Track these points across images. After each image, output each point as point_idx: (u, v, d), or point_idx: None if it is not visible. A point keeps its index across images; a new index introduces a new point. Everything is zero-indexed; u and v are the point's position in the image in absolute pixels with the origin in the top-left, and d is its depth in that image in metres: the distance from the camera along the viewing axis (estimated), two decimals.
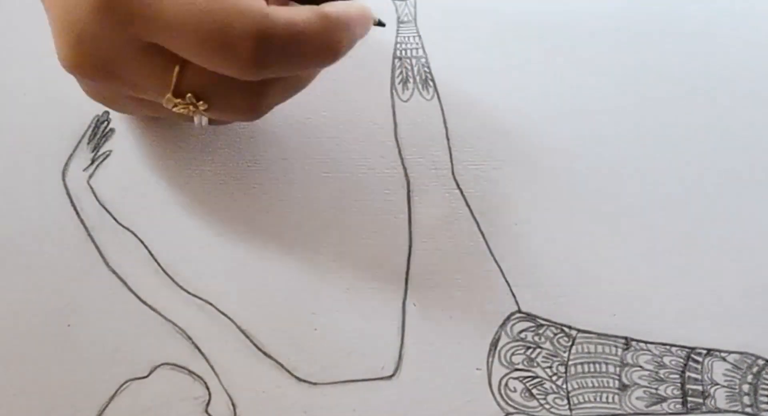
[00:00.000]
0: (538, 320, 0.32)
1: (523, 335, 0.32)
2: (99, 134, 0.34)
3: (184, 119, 0.31)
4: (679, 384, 0.31)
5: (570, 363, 0.31)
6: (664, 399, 0.31)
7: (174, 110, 0.28)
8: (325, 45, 0.27)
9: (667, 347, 0.32)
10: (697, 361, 0.32)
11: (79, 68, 0.27)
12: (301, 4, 0.28)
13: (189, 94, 0.27)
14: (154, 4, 0.25)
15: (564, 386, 0.31)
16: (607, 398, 0.31)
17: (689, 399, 0.31)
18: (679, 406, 0.31)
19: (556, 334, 0.32)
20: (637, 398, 0.31)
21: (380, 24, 0.32)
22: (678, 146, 0.36)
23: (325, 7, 0.27)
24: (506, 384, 0.31)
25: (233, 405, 0.30)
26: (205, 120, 0.30)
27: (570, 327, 0.32)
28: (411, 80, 0.36)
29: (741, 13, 0.38)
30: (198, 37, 0.25)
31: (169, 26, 0.25)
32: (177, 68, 0.26)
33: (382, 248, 0.33)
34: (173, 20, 0.25)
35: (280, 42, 0.26)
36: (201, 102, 0.27)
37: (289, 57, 0.26)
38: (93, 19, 0.25)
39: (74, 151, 0.34)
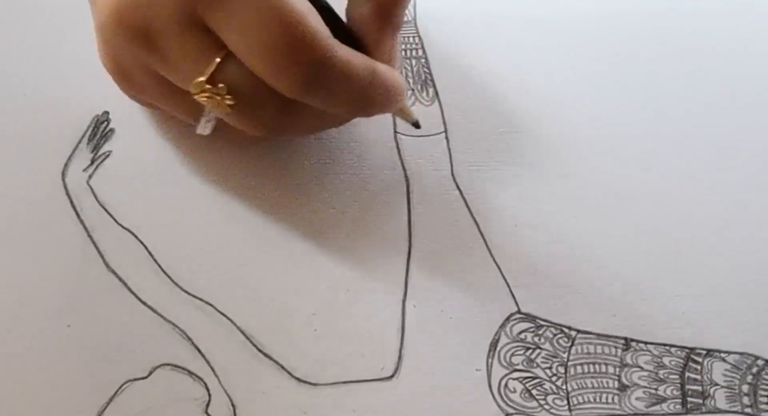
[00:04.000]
0: (538, 320, 0.32)
1: (522, 335, 0.32)
2: (99, 134, 0.34)
3: (189, 120, 0.31)
4: (678, 385, 0.31)
5: (570, 363, 0.31)
6: (663, 400, 0.31)
7: (198, 97, 0.27)
8: (363, 95, 0.28)
9: (667, 347, 0.32)
10: (696, 361, 0.32)
11: (122, 27, 0.26)
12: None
13: (222, 85, 0.27)
14: None
15: (564, 386, 0.31)
16: (606, 398, 0.31)
17: (689, 399, 0.31)
18: (678, 407, 0.31)
19: (555, 335, 0.32)
20: (637, 398, 0.31)
21: (416, 125, 0.33)
22: (678, 148, 0.36)
23: (378, 64, 0.28)
24: (506, 385, 0.31)
25: (233, 405, 0.30)
26: (209, 127, 0.30)
27: (570, 328, 0.32)
28: (411, 81, 0.36)
29: None
30: (262, 40, 0.25)
31: (234, 16, 0.25)
32: (221, 56, 0.26)
33: (382, 248, 0.33)
34: (242, 13, 0.25)
35: (333, 75, 0.26)
36: (229, 97, 0.27)
37: (334, 92, 0.27)
38: None
39: (74, 151, 0.34)
